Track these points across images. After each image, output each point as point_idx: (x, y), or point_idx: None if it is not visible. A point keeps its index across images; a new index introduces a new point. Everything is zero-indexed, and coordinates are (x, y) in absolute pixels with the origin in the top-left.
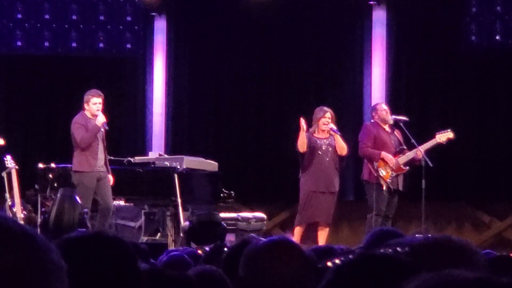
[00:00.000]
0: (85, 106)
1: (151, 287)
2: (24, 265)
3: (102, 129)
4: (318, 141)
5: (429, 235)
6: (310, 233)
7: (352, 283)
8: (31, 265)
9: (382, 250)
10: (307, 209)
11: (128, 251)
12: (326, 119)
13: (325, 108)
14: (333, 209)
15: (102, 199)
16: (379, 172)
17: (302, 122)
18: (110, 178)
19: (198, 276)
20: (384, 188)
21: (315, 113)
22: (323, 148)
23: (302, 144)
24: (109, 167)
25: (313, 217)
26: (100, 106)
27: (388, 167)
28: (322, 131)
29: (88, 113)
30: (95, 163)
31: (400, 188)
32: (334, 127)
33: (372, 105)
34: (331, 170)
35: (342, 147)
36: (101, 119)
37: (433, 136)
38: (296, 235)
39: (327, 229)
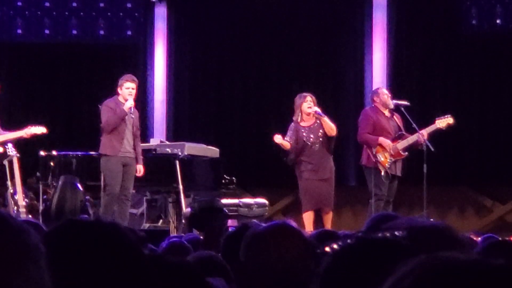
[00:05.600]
0: (118, 90)
1: (149, 273)
2: None
3: (133, 116)
4: (305, 131)
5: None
6: (316, 218)
7: (351, 267)
8: (1, 246)
9: (380, 234)
10: (309, 196)
11: (130, 238)
12: (307, 103)
13: (304, 94)
14: (333, 193)
15: (122, 184)
16: (378, 157)
17: (278, 139)
18: (140, 168)
19: (197, 261)
20: (383, 173)
21: (295, 100)
22: (312, 137)
23: (285, 148)
24: (140, 156)
25: (317, 204)
26: (133, 92)
27: (387, 152)
28: (307, 115)
29: (120, 98)
30: (119, 147)
31: (398, 173)
32: (319, 110)
33: (373, 89)
34: (322, 156)
35: (331, 128)
36: (128, 104)
37: (432, 122)
38: (306, 220)
39: (331, 213)
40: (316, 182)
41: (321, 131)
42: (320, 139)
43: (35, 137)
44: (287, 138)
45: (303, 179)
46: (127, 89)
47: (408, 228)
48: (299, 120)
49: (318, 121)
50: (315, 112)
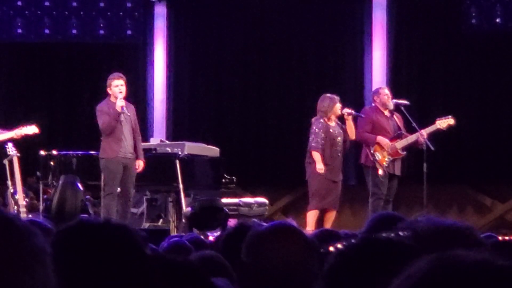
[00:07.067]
0: (108, 90)
1: (155, 274)
2: (2, 248)
3: (129, 114)
4: (334, 132)
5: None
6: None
7: (355, 267)
8: (9, 248)
9: (384, 234)
10: (320, 196)
11: (136, 239)
12: (339, 104)
13: (331, 95)
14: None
15: (123, 186)
16: (375, 156)
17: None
18: (140, 164)
19: (199, 261)
20: (380, 172)
21: (326, 101)
22: (338, 139)
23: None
24: (140, 151)
25: (326, 204)
26: (123, 88)
27: (385, 151)
28: (335, 117)
29: (112, 98)
30: (118, 149)
31: (397, 172)
32: (353, 112)
33: (373, 89)
34: (340, 158)
35: (353, 132)
36: (119, 103)
37: (433, 122)
38: (310, 219)
39: (334, 213)
40: (331, 182)
41: (342, 133)
42: (342, 141)
43: (31, 137)
44: (318, 136)
45: (318, 178)
46: (116, 87)
47: (412, 228)
48: (328, 121)
49: (338, 124)
50: (349, 113)
